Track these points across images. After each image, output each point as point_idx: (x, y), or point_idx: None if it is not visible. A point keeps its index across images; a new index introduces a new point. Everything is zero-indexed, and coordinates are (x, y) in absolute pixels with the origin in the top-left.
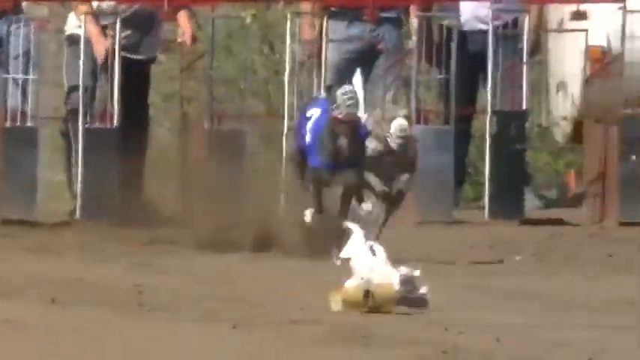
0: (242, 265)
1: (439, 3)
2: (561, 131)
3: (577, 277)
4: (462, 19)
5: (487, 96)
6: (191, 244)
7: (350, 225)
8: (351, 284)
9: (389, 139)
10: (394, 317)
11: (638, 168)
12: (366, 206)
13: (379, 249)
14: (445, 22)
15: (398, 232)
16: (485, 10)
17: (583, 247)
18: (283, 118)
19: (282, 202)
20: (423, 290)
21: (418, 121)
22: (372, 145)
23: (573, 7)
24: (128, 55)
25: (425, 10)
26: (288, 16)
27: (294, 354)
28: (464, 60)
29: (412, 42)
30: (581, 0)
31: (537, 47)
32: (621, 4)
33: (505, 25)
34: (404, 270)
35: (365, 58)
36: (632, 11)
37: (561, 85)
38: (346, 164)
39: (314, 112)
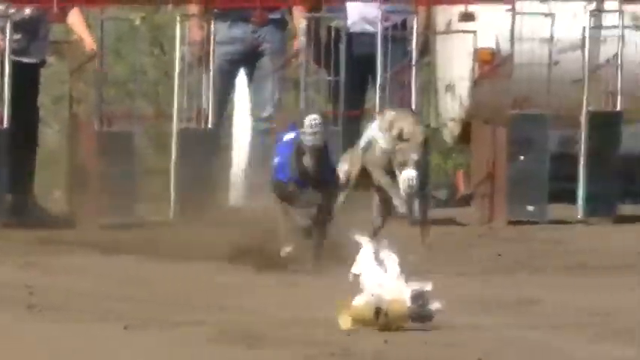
0: (136, 265)
1: (327, 4)
2: (450, 132)
3: (468, 276)
4: (351, 20)
5: (376, 97)
6: (81, 243)
7: (359, 238)
8: (360, 301)
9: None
10: (281, 318)
11: (526, 168)
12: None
13: (392, 262)
14: (333, 24)
15: None
16: (373, 12)
17: (473, 246)
18: (172, 120)
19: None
20: (435, 305)
21: None
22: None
23: (462, 9)
24: (18, 59)
25: (313, 11)
26: (178, 18)
27: (181, 354)
28: (352, 61)
29: (297, 43)
30: (470, 1)
31: (426, 49)
32: (510, 6)
33: (394, 27)
34: (415, 285)
35: (248, 60)
36: (520, 13)
37: (450, 87)
38: (311, 184)
39: (290, 136)
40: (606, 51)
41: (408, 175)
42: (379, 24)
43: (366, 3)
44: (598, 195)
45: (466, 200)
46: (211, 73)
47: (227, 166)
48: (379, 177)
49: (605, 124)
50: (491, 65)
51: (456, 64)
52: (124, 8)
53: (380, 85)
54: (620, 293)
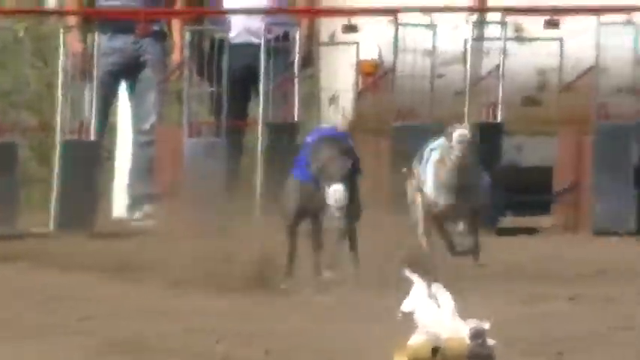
0: (17, 275)
1: (210, 16)
2: None
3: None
4: (234, 32)
5: (259, 109)
6: None
7: (409, 274)
8: (417, 341)
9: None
10: (170, 327)
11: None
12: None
13: (445, 298)
14: (217, 36)
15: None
16: (256, 23)
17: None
18: (55, 131)
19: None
20: (490, 343)
21: (190, 134)
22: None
23: (345, 21)
24: None
25: (195, 23)
26: (61, 29)
27: None
28: (235, 73)
29: (177, 55)
30: (353, 13)
31: (309, 60)
32: (392, 17)
33: (277, 38)
34: (473, 322)
35: (129, 71)
36: (403, 24)
37: (333, 98)
38: (331, 180)
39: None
40: (488, 62)
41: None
42: (262, 35)
43: (249, 15)
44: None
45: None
46: (94, 85)
47: (110, 177)
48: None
49: (487, 136)
50: (374, 77)
51: (339, 75)
52: (7, 19)
53: (263, 96)
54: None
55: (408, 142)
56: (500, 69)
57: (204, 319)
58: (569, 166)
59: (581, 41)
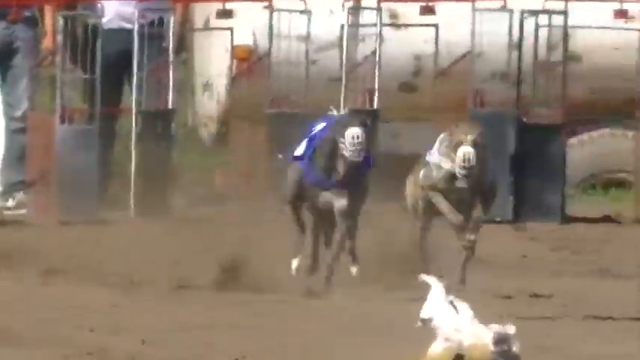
0: None
1: (83, 2)
2: (207, 131)
3: None
4: (107, 17)
5: (132, 95)
6: None
7: (427, 279)
8: (437, 348)
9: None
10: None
11: (284, 168)
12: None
13: (462, 305)
14: (90, 21)
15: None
16: (130, 9)
17: (234, 241)
18: None
19: None
20: (515, 348)
21: (63, 121)
22: (446, 165)
23: (219, 6)
24: None
25: (68, 8)
26: None
27: None
28: (109, 59)
29: (48, 41)
30: None
31: (183, 46)
32: (267, 3)
33: (150, 24)
34: (496, 327)
35: (0, 57)
36: (278, 10)
37: (208, 85)
38: (341, 185)
39: (320, 126)
40: (364, 48)
41: (463, 152)
42: (136, 21)
43: (122, 0)
44: None
45: (224, 199)
46: None
47: None
48: (438, 202)
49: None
50: (249, 62)
51: (213, 61)
52: None
53: (136, 83)
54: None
55: (282, 130)
56: (377, 55)
57: (77, 309)
58: None
59: (456, 27)
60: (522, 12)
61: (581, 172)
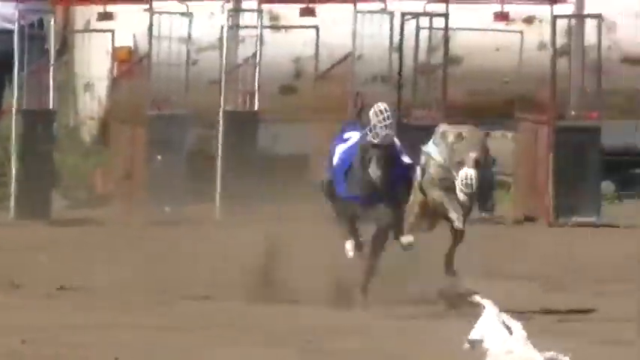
0: None
1: None
2: (89, 132)
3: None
4: None
5: (13, 96)
6: None
7: (480, 300)
8: None
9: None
10: None
11: (164, 168)
12: (407, 239)
13: (516, 325)
14: None
15: None
16: (10, 10)
17: (116, 243)
18: None
19: None
20: None
21: None
22: (437, 157)
23: (100, 8)
24: None
25: None
26: None
27: None
28: None
29: None
30: (108, 1)
31: (64, 47)
32: (147, 5)
33: (31, 25)
34: (549, 354)
35: None
36: (158, 12)
37: (89, 86)
38: (379, 198)
39: (352, 136)
40: (244, 50)
41: (465, 174)
42: (16, 22)
43: (2, 1)
44: (236, 194)
45: (104, 200)
46: None
47: None
48: (434, 194)
49: (243, 124)
50: (129, 64)
51: (94, 63)
52: None
53: (17, 83)
54: None
55: (162, 131)
56: (257, 57)
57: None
58: (325, 154)
59: (337, 29)
60: (403, 14)
61: None
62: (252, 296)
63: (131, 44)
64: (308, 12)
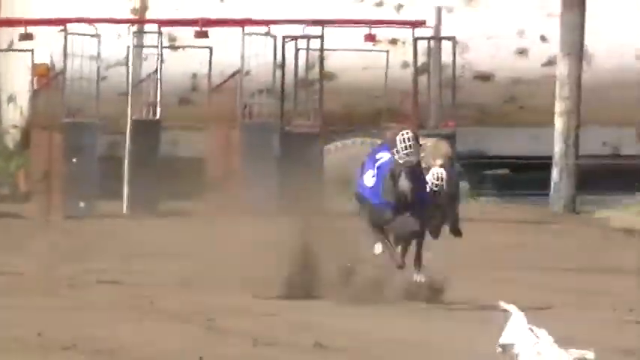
0: None
1: None
2: (12, 138)
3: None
4: None
5: None
6: None
7: (507, 306)
8: None
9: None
10: None
11: (78, 170)
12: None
13: (541, 331)
14: None
15: None
16: None
17: (34, 236)
18: None
19: None
20: None
21: None
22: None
23: (21, 30)
24: None
25: None
26: None
27: None
28: None
29: None
30: (29, 23)
31: None
32: (62, 27)
33: None
34: (575, 352)
35: None
36: (72, 34)
37: (12, 98)
38: (407, 207)
39: (383, 156)
40: (147, 67)
41: (435, 171)
42: None
43: None
44: (141, 193)
45: (26, 197)
46: None
47: None
48: None
49: (146, 131)
50: (47, 78)
51: (17, 78)
52: None
53: None
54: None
55: (76, 137)
56: (158, 73)
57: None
58: (218, 158)
59: (227, 49)
60: (284, 37)
61: (336, 173)
62: (160, 280)
63: (49, 61)
64: (202, 34)
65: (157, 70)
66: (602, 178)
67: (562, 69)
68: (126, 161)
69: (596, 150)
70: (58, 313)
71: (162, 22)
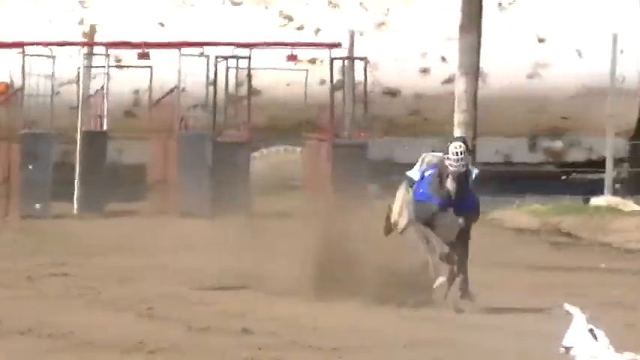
0: None
1: None
2: None
3: None
4: None
5: None
6: None
7: (570, 308)
8: None
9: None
10: None
11: (34, 175)
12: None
13: (600, 333)
14: None
15: None
16: None
17: None
18: None
19: None
20: None
21: None
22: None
23: None
24: None
25: None
26: None
27: None
28: None
29: None
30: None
31: None
32: (21, 49)
33: None
34: (629, 355)
35: None
36: (29, 55)
37: None
38: (451, 204)
39: (432, 172)
40: (96, 84)
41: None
42: None
43: None
44: (90, 195)
45: None
46: None
47: None
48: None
49: (95, 141)
50: (7, 95)
51: None
52: None
53: None
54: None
55: (33, 146)
56: (105, 89)
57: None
58: (158, 165)
59: (166, 68)
60: (216, 57)
61: (263, 178)
62: (106, 273)
63: (8, 79)
64: (144, 55)
65: (104, 86)
66: (496, 182)
67: (460, 86)
68: (77, 167)
69: (490, 158)
70: (15, 302)
71: (109, 45)
